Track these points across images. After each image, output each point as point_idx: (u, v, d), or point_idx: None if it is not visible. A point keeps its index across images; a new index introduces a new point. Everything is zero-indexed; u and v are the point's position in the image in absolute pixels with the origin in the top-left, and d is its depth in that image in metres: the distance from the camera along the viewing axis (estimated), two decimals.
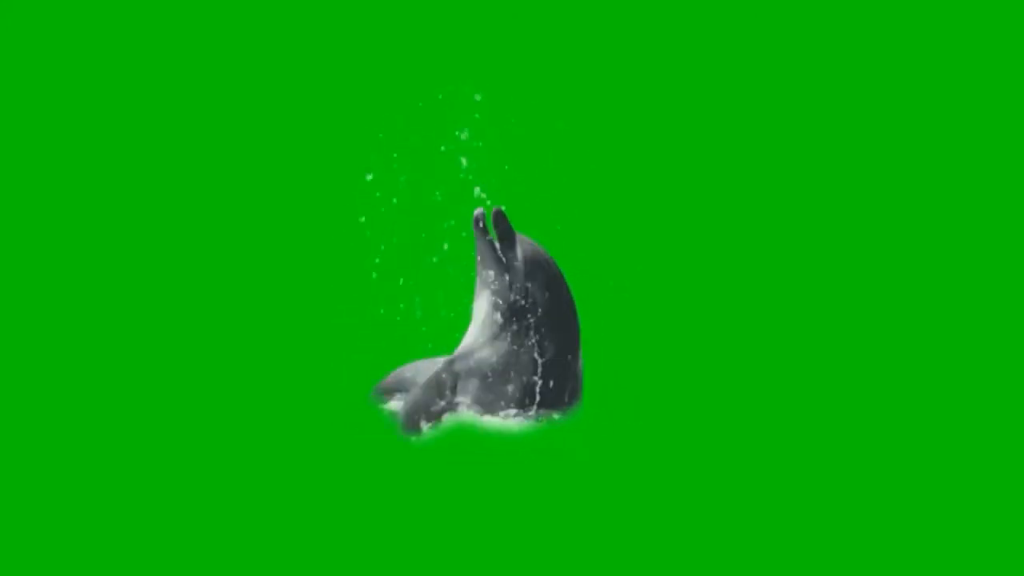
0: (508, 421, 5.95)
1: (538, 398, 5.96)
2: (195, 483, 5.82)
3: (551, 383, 5.98)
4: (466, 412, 5.99)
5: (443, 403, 6.01)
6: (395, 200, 6.75)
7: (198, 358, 6.91)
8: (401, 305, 6.66)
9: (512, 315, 5.95)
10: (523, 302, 5.95)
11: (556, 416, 6.01)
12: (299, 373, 6.74)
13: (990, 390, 6.55)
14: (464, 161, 6.36)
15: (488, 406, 5.98)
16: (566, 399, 6.02)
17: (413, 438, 5.95)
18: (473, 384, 5.98)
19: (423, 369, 6.21)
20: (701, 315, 7.30)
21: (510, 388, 5.96)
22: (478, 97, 6.49)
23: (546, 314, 5.97)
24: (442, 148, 6.50)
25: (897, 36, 8.16)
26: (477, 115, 6.51)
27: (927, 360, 6.82)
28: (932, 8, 8.16)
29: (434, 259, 6.51)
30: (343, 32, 8.29)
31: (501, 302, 5.96)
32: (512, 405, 5.96)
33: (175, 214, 7.82)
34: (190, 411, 6.41)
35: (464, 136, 6.38)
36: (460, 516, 5.61)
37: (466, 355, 6.01)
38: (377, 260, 6.71)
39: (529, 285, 5.96)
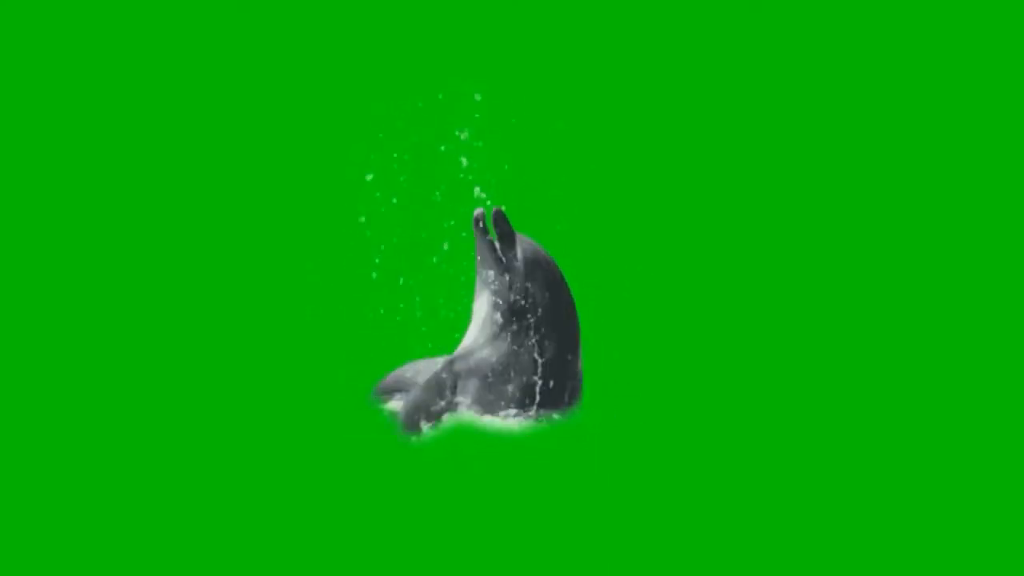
0: (508, 421, 5.96)
1: (538, 398, 5.98)
2: (195, 483, 5.82)
3: (551, 383, 6.00)
4: (466, 412, 6.01)
5: (443, 403, 6.02)
6: (395, 200, 6.77)
7: (197, 358, 6.91)
8: (401, 305, 6.67)
9: (512, 315, 5.97)
10: (523, 302, 5.97)
11: (555, 416, 6.02)
12: (299, 373, 6.75)
13: (988, 390, 6.55)
14: (464, 161, 6.37)
15: (488, 406, 6.00)
16: (566, 399, 6.04)
17: (413, 438, 5.96)
18: (473, 384, 6.00)
19: (423, 369, 6.23)
20: (701, 314, 7.30)
21: (510, 388, 5.98)
22: (478, 97, 6.50)
23: (546, 314, 6.00)
24: (442, 148, 6.51)
25: (896, 36, 8.16)
26: (477, 115, 6.52)
27: (926, 361, 6.82)
28: (932, 8, 8.17)
29: (434, 259, 6.52)
30: (343, 31, 8.29)
31: (501, 302, 5.99)
32: (512, 405, 5.98)
33: (174, 214, 7.82)
34: (190, 412, 6.41)
35: (464, 136, 6.39)
36: (459, 516, 5.61)
37: (466, 355, 6.02)
38: (377, 260, 6.72)
39: (529, 285, 5.98)
